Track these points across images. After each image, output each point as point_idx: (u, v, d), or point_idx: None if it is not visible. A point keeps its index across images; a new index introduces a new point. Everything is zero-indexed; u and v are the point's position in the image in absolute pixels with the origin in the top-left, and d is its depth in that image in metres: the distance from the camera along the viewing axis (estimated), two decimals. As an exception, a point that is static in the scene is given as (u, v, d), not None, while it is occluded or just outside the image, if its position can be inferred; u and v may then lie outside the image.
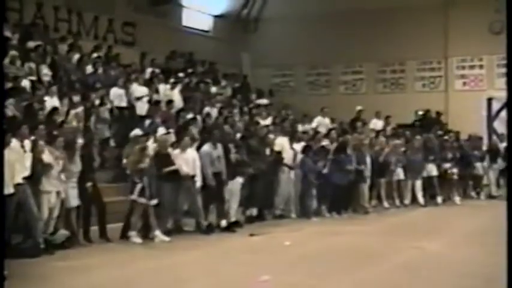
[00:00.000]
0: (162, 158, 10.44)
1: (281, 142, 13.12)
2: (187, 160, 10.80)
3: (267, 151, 12.76)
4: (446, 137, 17.38)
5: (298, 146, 13.37)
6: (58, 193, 9.09)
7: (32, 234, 8.55)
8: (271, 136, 13.31)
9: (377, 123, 17.70)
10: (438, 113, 19.83)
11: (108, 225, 10.02)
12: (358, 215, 13.89)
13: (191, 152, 10.96)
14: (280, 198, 12.90)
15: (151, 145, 10.65)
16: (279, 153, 12.84)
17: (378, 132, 16.41)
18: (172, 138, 11.43)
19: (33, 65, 13.42)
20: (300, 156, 13.16)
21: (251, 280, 7.27)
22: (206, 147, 11.28)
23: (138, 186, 9.82)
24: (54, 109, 11.69)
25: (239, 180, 11.63)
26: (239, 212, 11.94)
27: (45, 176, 8.90)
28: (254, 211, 12.32)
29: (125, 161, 10.51)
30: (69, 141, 9.51)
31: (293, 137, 13.80)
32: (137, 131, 10.97)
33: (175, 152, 10.76)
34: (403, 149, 15.75)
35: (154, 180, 10.06)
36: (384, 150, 15.10)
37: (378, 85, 22.44)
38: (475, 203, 16.35)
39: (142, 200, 9.82)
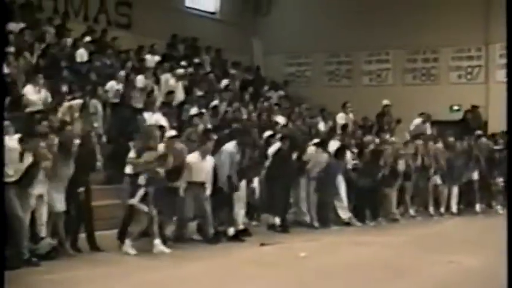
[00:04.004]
0: (177, 168, 10.34)
1: (312, 152, 12.97)
2: (205, 168, 10.73)
3: (293, 156, 12.61)
4: (497, 148, 17.00)
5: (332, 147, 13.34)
6: (41, 196, 9.05)
7: (16, 241, 8.51)
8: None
9: (421, 127, 17.40)
10: (474, 107, 19.56)
11: (98, 232, 9.97)
12: (384, 223, 13.81)
13: (210, 159, 10.88)
14: (304, 203, 12.86)
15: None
16: (306, 162, 12.75)
17: (420, 136, 16.21)
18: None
19: (13, 50, 13.39)
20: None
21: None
22: (231, 147, 11.24)
23: (141, 191, 9.76)
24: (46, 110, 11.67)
25: (243, 184, 11.58)
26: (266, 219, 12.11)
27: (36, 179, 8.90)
28: (277, 220, 12.26)
29: (132, 154, 10.32)
30: (66, 143, 9.45)
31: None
32: (172, 132, 10.83)
33: (193, 159, 10.62)
34: (444, 154, 15.65)
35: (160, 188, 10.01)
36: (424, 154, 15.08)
37: (407, 76, 22.31)
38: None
39: (144, 207, 9.74)
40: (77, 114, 12.10)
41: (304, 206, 12.90)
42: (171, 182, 10.23)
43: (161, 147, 10.36)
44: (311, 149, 13.03)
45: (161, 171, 9.88)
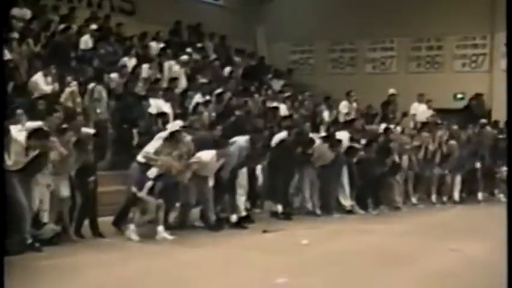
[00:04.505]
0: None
1: (318, 146, 12.90)
2: (216, 168, 10.72)
3: (298, 149, 12.57)
4: (501, 136, 16.98)
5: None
6: (48, 185, 9.08)
7: (18, 227, 8.52)
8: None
9: (418, 108, 17.45)
10: (478, 95, 19.48)
11: (101, 218, 9.99)
12: (387, 211, 13.81)
13: (221, 161, 10.81)
14: (307, 191, 12.84)
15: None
16: (311, 155, 12.73)
17: (423, 125, 16.21)
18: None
19: (16, 35, 13.36)
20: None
21: (264, 283, 7.23)
22: (243, 142, 11.20)
23: (149, 184, 9.77)
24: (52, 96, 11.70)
25: (245, 171, 11.57)
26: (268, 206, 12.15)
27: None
28: (279, 207, 12.27)
29: (151, 151, 10.30)
30: (83, 140, 9.45)
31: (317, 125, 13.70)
32: (175, 126, 10.67)
33: (207, 159, 10.53)
34: (451, 142, 15.62)
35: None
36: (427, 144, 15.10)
37: (411, 64, 22.27)
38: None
39: (152, 200, 9.76)
40: (79, 99, 12.09)
41: (307, 193, 12.89)
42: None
43: (164, 134, 10.37)
44: (317, 141, 12.98)
45: (174, 170, 9.90)
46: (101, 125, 11.50)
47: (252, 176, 11.80)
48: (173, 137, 10.23)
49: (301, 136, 12.72)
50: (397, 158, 14.24)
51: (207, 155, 10.57)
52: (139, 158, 10.20)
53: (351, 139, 13.67)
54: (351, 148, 13.34)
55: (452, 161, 15.44)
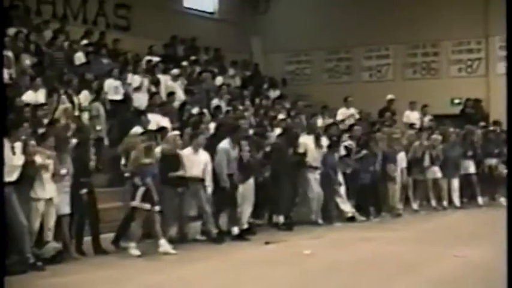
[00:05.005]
0: (169, 160, 10.37)
1: (305, 142, 12.99)
2: (199, 162, 10.76)
3: (289, 151, 12.62)
4: (491, 128, 17.09)
5: (325, 143, 13.32)
6: (50, 200, 9.04)
7: (19, 247, 8.48)
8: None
9: (410, 116, 17.54)
10: (477, 101, 19.53)
11: (102, 235, 9.98)
12: (388, 218, 13.79)
13: (203, 153, 10.91)
14: (314, 202, 12.81)
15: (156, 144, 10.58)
16: (303, 155, 12.73)
17: (411, 126, 16.28)
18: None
19: (10, 54, 13.35)
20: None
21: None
22: (225, 144, 11.21)
23: (141, 190, 9.73)
24: (40, 105, 11.69)
25: (252, 182, 11.57)
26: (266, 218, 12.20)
27: (37, 180, 8.86)
28: (281, 218, 12.25)
29: (123, 161, 10.44)
30: (61, 140, 9.45)
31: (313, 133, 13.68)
32: (138, 128, 10.91)
33: (186, 152, 10.70)
34: (440, 145, 15.60)
35: (157, 183, 9.98)
36: (416, 145, 15.04)
37: (407, 70, 22.29)
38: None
39: (147, 206, 9.72)
40: (76, 114, 12.10)
41: (312, 204, 12.86)
42: (164, 173, 10.19)
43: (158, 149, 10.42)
44: (308, 139, 13.00)
45: (148, 160, 9.86)
46: (84, 135, 11.43)
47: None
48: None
49: (290, 134, 12.80)
50: (392, 166, 14.18)
51: (185, 150, 10.72)
52: (125, 173, 10.28)
53: (345, 147, 13.67)
54: (347, 155, 13.37)
55: (445, 164, 15.38)
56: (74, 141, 9.99)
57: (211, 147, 11.22)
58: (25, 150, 8.78)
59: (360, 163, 13.69)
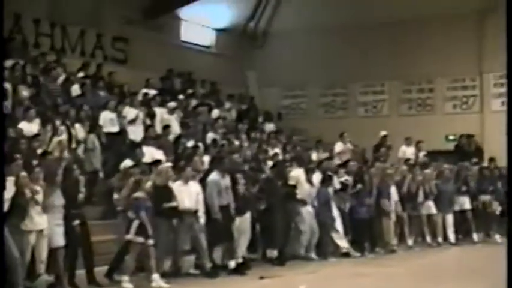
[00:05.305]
0: (161, 192, 10.39)
1: (296, 175, 13.02)
2: (190, 194, 10.78)
3: (280, 183, 12.69)
4: (485, 165, 17.16)
5: (317, 178, 13.34)
6: (41, 231, 9.00)
7: (12, 280, 8.41)
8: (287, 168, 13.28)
9: (406, 151, 17.60)
10: (469, 136, 19.59)
11: (96, 268, 9.92)
12: (382, 254, 13.76)
13: (194, 185, 10.94)
14: (305, 236, 12.79)
15: (147, 177, 10.60)
16: (293, 187, 12.75)
17: (406, 161, 16.34)
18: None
19: (8, 86, 13.41)
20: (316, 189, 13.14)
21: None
22: (214, 176, 11.26)
23: (135, 224, 9.71)
24: (34, 136, 11.71)
25: (248, 216, 11.57)
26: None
27: (28, 212, 8.84)
28: (274, 253, 12.22)
29: (116, 196, 10.44)
30: (50, 172, 9.44)
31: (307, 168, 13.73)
32: (128, 162, 10.94)
33: (176, 185, 10.72)
34: (434, 180, 15.65)
35: (151, 216, 9.97)
36: (409, 179, 15.09)
37: (403, 106, 22.41)
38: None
39: (140, 240, 9.69)
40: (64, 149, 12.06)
41: (304, 239, 12.84)
42: (157, 205, 10.18)
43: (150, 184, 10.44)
44: (299, 171, 13.01)
45: (139, 194, 9.86)
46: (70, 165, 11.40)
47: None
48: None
49: (281, 167, 12.90)
50: (386, 201, 14.21)
51: (175, 182, 10.74)
52: (118, 207, 10.29)
53: (341, 182, 13.72)
54: (343, 189, 13.37)
55: (439, 200, 15.41)
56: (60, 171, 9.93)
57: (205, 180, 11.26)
58: (16, 182, 8.78)
59: (355, 198, 13.74)
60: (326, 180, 13.28)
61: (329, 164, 14.37)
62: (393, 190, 14.56)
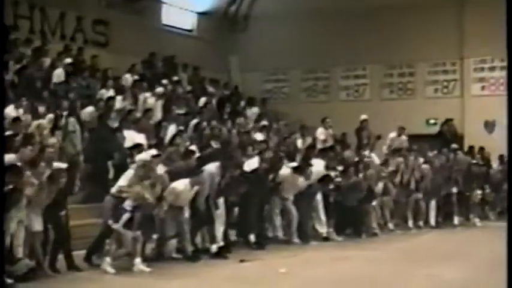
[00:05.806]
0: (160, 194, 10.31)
1: (284, 175, 12.82)
2: (190, 196, 10.72)
3: (268, 177, 12.62)
4: (474, 161, 17.35)
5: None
6: (21, 221, 8.96)
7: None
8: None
9: (396, 141, 17.60)
10: (448, 120, 19.71)
11: (75, 252, 9.88)
12: (364, 238, 13.84)
13: (195, 189, 10.80)
14: (277, 219, 12.84)
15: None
16: (279, 184, 12.75)
17: (398, 151, 16.41)
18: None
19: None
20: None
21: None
22: (213, 168, 11.20)
23: (125, 216, 9.67)
24: (15, 119, 11.62)
25: (222, 201, 11.55)
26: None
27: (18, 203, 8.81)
28: (252, 237, 12.22)
29: (124, 185, 10.22)
30: (56, 175, 9.36)
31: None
32: (146, 155, 10.64)
33: (181, 188, 10.55)
34: (424, 166, 15.80)
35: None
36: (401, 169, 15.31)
37: (384, 90, 22.50)
38: (497, 224, 16.32)
39: (128, 233, 9.63)
40: (46, 132, 11.95)
41: (277, 221, 12.86)
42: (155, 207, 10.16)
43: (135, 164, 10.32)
44: (287, 171, 12.94)
45: (151, 198, 9.84)
46: (73, 159, 11.35)
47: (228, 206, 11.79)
48: (144, 166, 10.19)
49: (272, 161, 12.79)
50: (373, 185, 14.32)
51: (180, 184, 10.56)
52: (113, 190, 10.16)
53: (327, 167, 13.71)
54: (327, 176, 13.37)
55: (426, 185, 15.58)
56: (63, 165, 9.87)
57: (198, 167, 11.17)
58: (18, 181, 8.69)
59: (341, 184, 13.75)
60: (301, 168, 13.17)
61: (314, 151, 14.34)
62: (380, 184, 14.74)
